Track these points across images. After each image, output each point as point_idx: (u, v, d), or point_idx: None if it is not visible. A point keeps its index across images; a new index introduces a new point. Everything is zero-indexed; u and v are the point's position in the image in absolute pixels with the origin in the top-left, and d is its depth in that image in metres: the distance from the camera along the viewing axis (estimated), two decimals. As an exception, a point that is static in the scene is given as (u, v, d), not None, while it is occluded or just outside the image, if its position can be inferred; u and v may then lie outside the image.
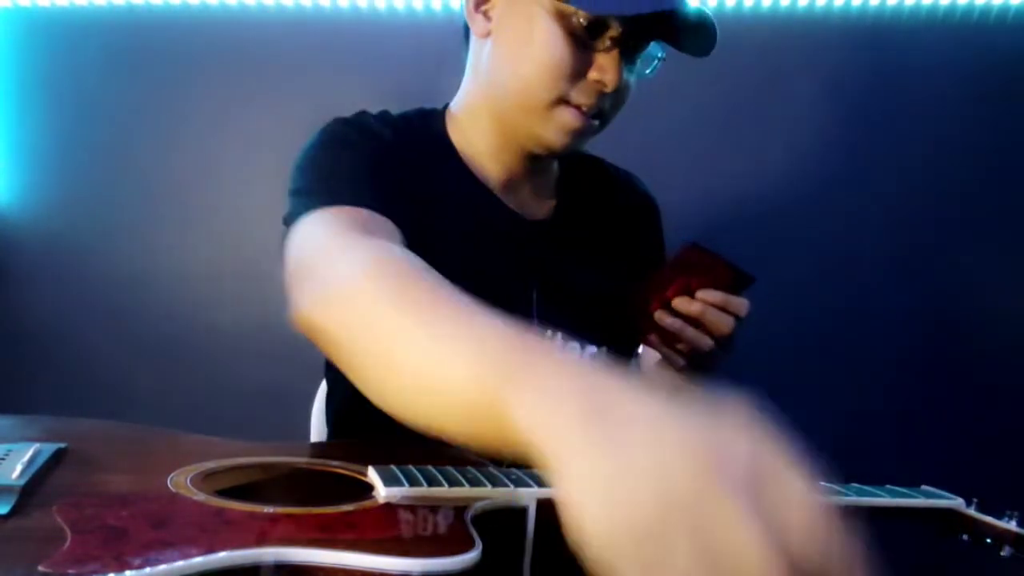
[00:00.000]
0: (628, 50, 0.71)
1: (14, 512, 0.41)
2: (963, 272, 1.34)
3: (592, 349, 0.81)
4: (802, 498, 0.29)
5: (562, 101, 0.71)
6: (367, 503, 0.47)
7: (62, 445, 0.53)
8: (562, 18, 0.68)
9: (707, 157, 1.34)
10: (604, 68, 0.68)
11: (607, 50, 0.69)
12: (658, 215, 0.94)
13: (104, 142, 1.38)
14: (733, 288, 0.74)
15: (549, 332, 0.79)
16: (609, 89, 0.69)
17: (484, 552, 0.40)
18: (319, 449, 0.66)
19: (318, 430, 1.00)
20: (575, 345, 0.80)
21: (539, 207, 0.84)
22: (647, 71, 0.76)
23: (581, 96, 0.70)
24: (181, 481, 0.48)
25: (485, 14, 0.75)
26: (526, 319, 0.77)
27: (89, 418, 0.64)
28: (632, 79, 0.74)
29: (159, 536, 0.38)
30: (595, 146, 0.98)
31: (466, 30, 0.80)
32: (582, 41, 0.68)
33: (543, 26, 0.69)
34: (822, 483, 0.32)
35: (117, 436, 0.62)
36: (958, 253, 1.34)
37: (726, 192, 1.33)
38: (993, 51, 1.29)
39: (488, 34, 0.75)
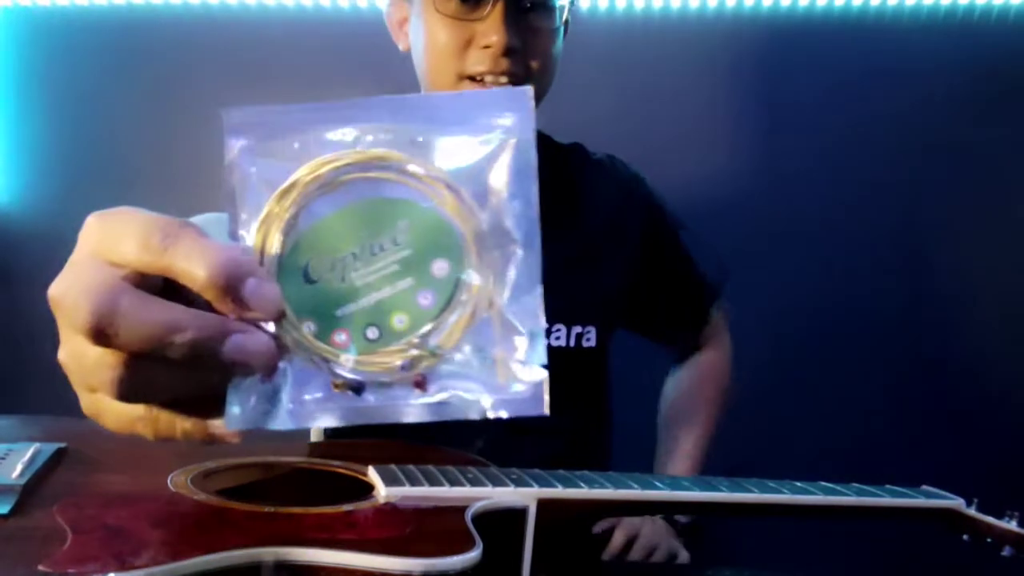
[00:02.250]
0: (514, 7, 0.72)
1: (14, 512, 0.41)
2: (964, 271, 1.34)
3: (578, 328, 0.82)
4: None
5: (462, 78, 0.75)
6: (367, 503, 0.47)
7: (62, 445, 0.53)
8: (438, 4, 0.73)
9: (704, 156, 1.34)
10: (487, 32, 0.72)
11: (487, 16, 0.71)
12: (648, 190, 0.95)
13: (104, 142, 1.38)
14: None
15: None
16: (498, 49, 0.72)
17: (484, 552, 0.40)
18: (319, 449, 0.66)
19: (318, 430, 1.01)
20: (558, 327, 0.81)
21: None
22: (557, 22, 0.76)
23: (476, 66, 0.74)
24: (181, 481, 0.48)
25: (405, 32, 0.81)
26: None
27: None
28: (544, 36, 0.76)
29: (159, 536, 0.38)
30: (596, 144, 0.98)
31: None
32: (461, 18, 0.72)
33: (426, 20, 0.75)
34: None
35: (117, 436, 0.62)
36: (959, 252, 1.34)
37: (724, 191, 1.33)
38: (993, 51, 1.29)
39: (408, 48, 0.81)
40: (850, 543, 1.29)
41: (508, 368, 0.34)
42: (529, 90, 0.35)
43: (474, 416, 0.33)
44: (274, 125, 0.34)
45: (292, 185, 0.34)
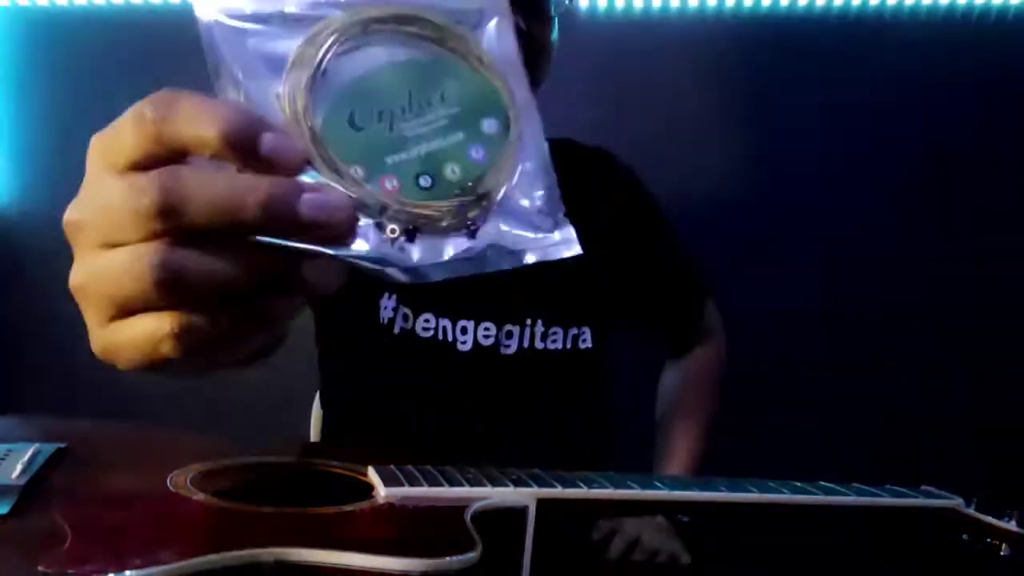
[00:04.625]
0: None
1: (14, 512, 0.41)
2: (964, 271, 1.34)
3: (574, 330, 0.82)
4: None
5: None
6: (367, 503, 0.47)
7: (62, 445, 0.53)
8: None
9: (704, 156, 1.34)
10: None
11: None
12: (639, 185, 0.94)
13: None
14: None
15: (529, 320, 0.80)
16: None
17: (484, 552, 0.40)
18: (319, 449, 0.66)
19: (318, 430, 1.01)
20: (555, 330, 0.81)
21: None
22: (553, 11, 0.76)
23: None
24: (181, 481, 0.48)
25: None
26: (501, 305, 0.78)
27: (89, 418, 0.64)
28: (541, 27, 0.75)
29: (159, 536, 0.38)
30: (594, 141, 0.98)
31: None
32: None
33: None
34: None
35: (117, 436, 0.62)
36: (959, 252, 1.34)
37: (723, 191, 1.33)
38: (993, 51, 1.29)
39: None
40: (850, 543, 1.29)
41: (538, 217, 0.36)
42: None
43: (508, 265, 0.35)
44: None
45: (319, 31, 0.33)
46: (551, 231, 0.37)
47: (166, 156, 0.28)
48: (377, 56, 0.34)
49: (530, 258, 0.35)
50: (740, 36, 1.31)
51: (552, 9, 0.75)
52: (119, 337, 0.30)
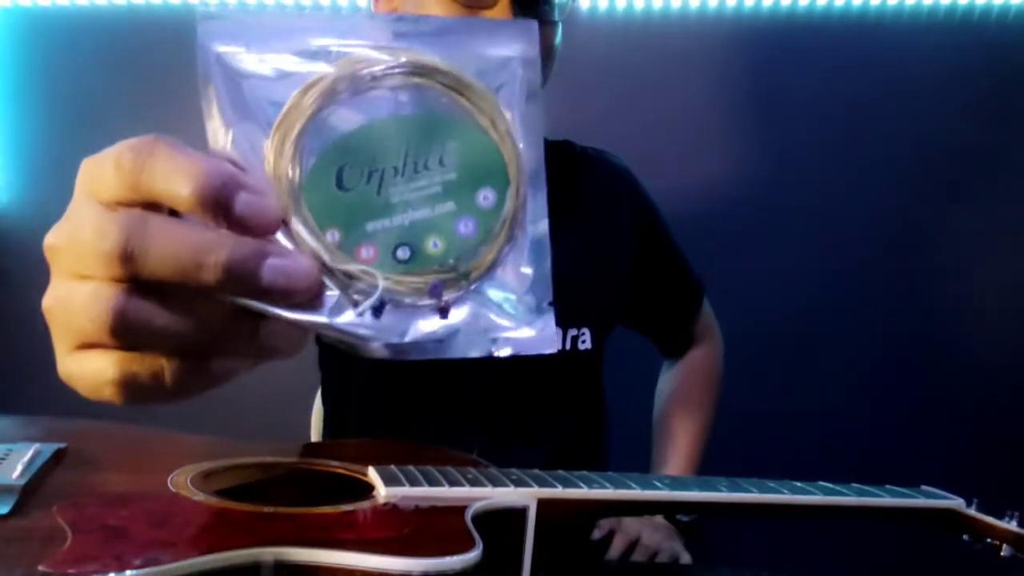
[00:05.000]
0: (520, 2, 0.70)
1: (14, 512, 0.41)
2: (964, 270, 1.34)
3: (573, 331, 0.82)
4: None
5: None
6: (367, 503, 0.47)
7: (62, 445, 0.53)
8: None
9: (704, 156, 1.34)
10: None
11: (495, 4, 0.69)
12: (636, 184, 0.95)
13: (104, 142, 1.38)
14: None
15: None
16: None
17: (484, 552, 0.40)
18: (319, 449, 0.66)
19: (318, 430, 1.01)
20: (556, 329, 0.81)
21: None
22: (559, 15, 0.75)
23: None
24: (181, 481, 0.48)
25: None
26: None
27: (89, 418, 0.64)
28: (548, 28, 0.74)
29: (159, 536, 0.38)
30: (595, 144, 0.98)
31: None
32: (470, 6, 0.69)
33: (427, 10, 0.70)
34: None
35: (117, 436, 0.62)
36: (959, 252, 1.34)
37: (723, 190, 1.33)
38: (993, 51, 1.29)
39: None
40: (850, 543, 1.29)
41: (520, 303, 0.33)
42: (534, 23, 0.34)
43: (477, 354, 0.32)
44: (260, 32, 0.31)
45: (318, 80, 0.31)
46: (531, 322, 0.33)
47: (141, 204, 0.29)
48: (380, 108, 0.31)
49: (502, 352, 0.33)
50: (740, 36, 1.31)
51: (556, 14, 0.75)
52: (74, 368, 0.31)
